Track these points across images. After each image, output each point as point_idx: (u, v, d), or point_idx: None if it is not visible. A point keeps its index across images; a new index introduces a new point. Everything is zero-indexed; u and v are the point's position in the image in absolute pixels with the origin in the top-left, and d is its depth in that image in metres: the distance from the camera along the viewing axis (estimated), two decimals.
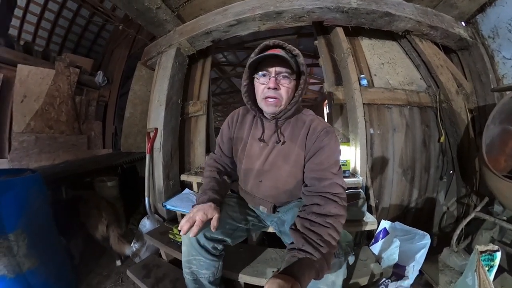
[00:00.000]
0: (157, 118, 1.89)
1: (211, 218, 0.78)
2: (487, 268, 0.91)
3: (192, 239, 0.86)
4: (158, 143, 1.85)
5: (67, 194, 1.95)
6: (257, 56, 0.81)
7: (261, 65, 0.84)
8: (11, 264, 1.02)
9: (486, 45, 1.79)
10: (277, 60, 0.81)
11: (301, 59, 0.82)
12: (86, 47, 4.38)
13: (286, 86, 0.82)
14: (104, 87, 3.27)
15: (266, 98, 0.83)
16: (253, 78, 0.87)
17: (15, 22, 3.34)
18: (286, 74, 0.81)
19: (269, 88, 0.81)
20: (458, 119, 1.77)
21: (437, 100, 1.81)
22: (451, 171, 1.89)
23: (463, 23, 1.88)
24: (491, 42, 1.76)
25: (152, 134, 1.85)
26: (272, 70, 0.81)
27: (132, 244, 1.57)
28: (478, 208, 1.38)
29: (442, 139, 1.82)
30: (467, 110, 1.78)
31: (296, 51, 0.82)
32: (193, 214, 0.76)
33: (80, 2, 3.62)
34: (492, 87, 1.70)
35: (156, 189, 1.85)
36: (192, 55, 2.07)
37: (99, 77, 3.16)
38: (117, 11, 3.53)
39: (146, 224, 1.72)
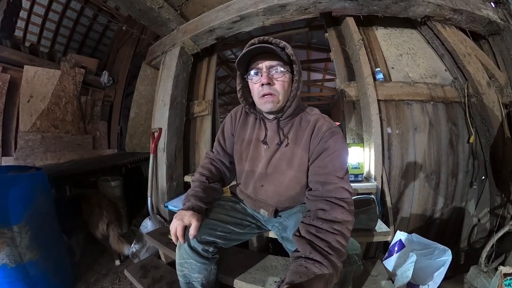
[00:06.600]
0: (161, 118, 2.00)
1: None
2: None
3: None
4: (162, 143, 1.95)
5: (71, 192, 2.12)
6: (246, 50, 0.83)
7: (251, 64, 0.87)
8: (13, 254, 1.16)
9: None
10: (267, 55, 0.83)
11: (289, 50, 0.83)
12: (91, 47, 4.74)
13: (280, 80, 0.84)
14: (109, 87, 3.51)
15: (262, 96, 0.85)
16: (247, 81, 0.90)
17: (20, 23, 3.71)
18: (278, 68, 0.83)
19: (262, 84, 0.83)
20: (491, 115, 1.67)
21: (465, 94, 1.73)
22: (483, 177, 1.79)
23: (492, 3, 1.79)
24: None
25: (156, 134, 1.95)
26: (263, 65, 0.84)
27: (132, 245, 1.67)
28: None
29: (472, 140, 1.73)
30: (501, 105, 1.68)
31: (283, 43, 0.83)
32: (174, 226, 0.84)
33: (84, 2, 3.91)
34: None
35: (159, 189, 1.95)
36: (197, 54, 2.17)
37: (105, 77, 3.40)
38: (121, 9, 3.77)
39: (147, 225, 1.83)
